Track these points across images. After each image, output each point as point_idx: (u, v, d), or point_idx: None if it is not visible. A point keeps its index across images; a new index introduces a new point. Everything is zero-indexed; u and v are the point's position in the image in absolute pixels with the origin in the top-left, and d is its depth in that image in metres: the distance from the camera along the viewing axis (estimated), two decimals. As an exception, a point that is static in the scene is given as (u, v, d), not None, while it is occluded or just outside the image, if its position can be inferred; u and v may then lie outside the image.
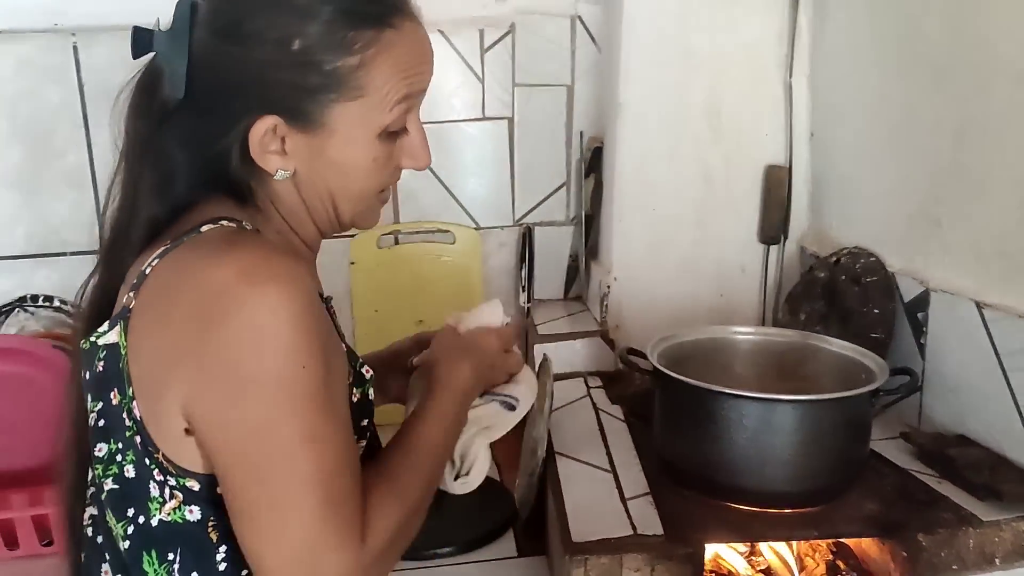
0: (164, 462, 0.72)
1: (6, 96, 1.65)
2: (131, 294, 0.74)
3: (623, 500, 1.14)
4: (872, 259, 1.43)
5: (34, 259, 1.72)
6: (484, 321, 1.12)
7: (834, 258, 1.51)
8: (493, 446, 1.05)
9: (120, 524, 0.74)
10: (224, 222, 0.78)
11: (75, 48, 1.64)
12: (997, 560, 1.04)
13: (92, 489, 0.81)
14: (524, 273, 1.90)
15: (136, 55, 0.79)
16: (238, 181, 0.82)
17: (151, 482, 0.73)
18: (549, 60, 1.84)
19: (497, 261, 1.93)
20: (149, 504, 0.73)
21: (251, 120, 0.78)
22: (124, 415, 0.73)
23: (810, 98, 1.66)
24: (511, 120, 1.86)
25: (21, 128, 1.67)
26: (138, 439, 0.73)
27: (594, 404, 1.50)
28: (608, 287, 1.71)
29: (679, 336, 1.30)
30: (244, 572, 0.76)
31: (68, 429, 0.83)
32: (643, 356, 1.24)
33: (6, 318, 1.66)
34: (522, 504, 1.38)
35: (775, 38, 1.65)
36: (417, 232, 1.88)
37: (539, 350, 1.63)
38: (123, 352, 0.72)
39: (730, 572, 1.17)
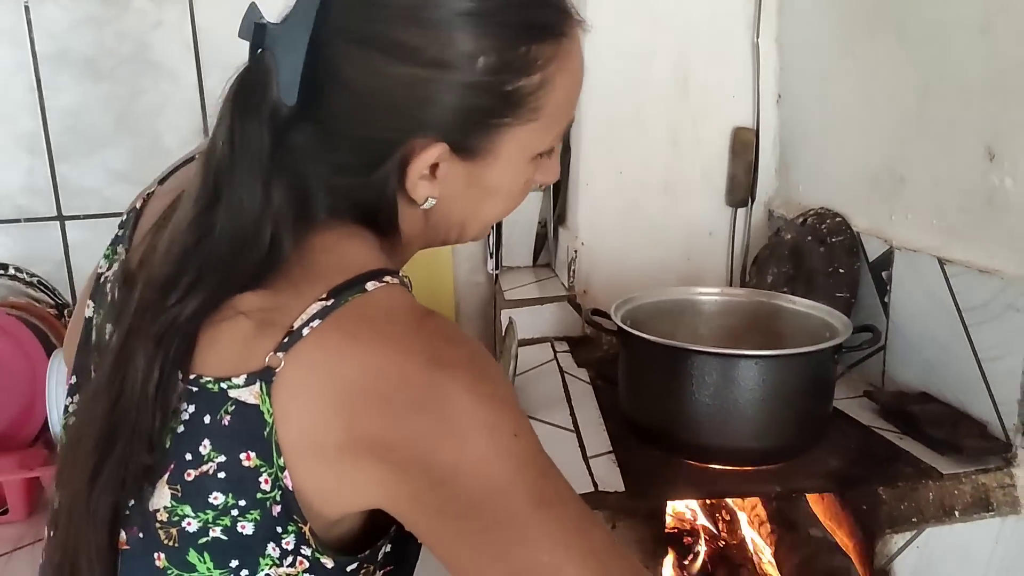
0: (308, 535, 0.66)
1: (-44, 59, 1.61)
2: (279, 354, 0.64)
3: (585, 459, 1.13)
4: (838, 219, 1.43)
5: (-12, 226, 1.69)
6: None
7: (801, 220, 1.51)
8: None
9: (219, 572, 0.67)
10: (388, 278, 0.67)
11: (27, 9, 1.60)
12: (956, 512, 1.05)
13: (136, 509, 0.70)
14: (492, 240, 1.88)
15: (252, 44, 0.68)
16: (383, 214, 0.73)
17: (272, 543, 0.67)
18: (515, 23, 1.82)
19: (465, 228, 1.91)
20: (260, 560, 0.67)
21: (412, 147, 0.69)
22: (262, 479, 0.65)
23: (777, 59, 1.65)
24: (477, 84, 1.84)
25: (-27, 92, 1.63)
26: (277, 508, 0.66)
27: (560, 368, 1.49)
28: (575, 252, 1.69)
29: (643, 297, 1.29)
30: None
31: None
32: (608, 317, 1.23)
33: (-39, 286, 1.63)
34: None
35: (742, -1, 1.63)
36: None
37: (507, 315, 1.62)
38: (269, 420, 0.64)
39: (692, 528, 1.17)
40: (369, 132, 0.69)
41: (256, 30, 0.68)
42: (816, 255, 1.42)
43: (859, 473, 1.09)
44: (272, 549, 0.67)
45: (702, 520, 1.20)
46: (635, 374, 1.20)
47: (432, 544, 0.66)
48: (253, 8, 0.69)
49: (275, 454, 0.64)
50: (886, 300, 1.31)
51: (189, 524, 0.67)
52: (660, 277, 1.68)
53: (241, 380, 0.65)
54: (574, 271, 1.70)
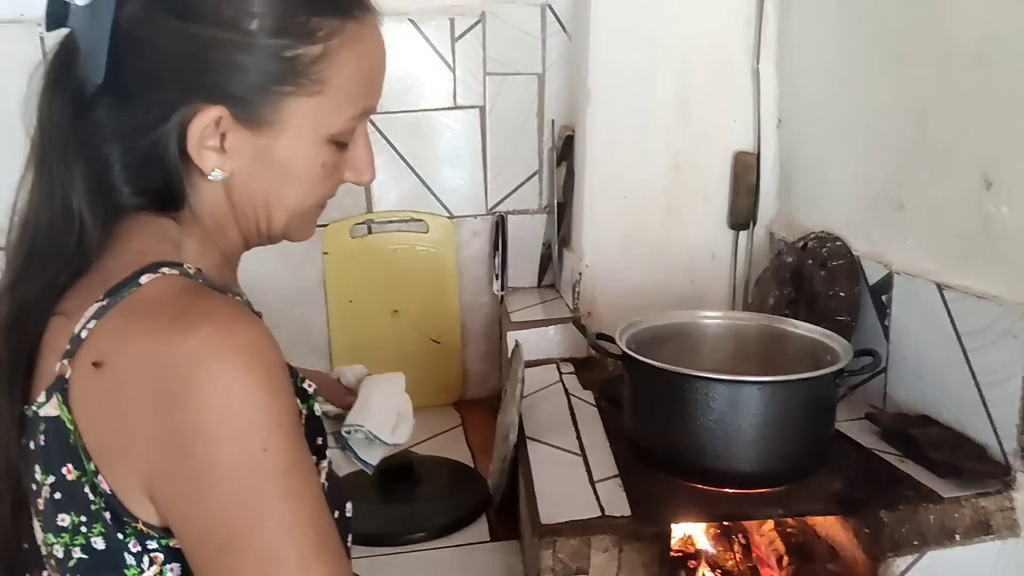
0: (144, 528, 0.66)
1: (-28, 88, 1.64)
2: (65, 362, 0.65)
3: (592, 483, 1.15)
4: (838, 243, 1.45)
5: None
6: (382, 389, 1.12)
7: (801, 243, 1.53)
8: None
9: None
10: (165, 269, 0.68)
11: (42, 40, 1.63)
12: (957, 536, 1.06)
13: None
14: (498, 261, 1.91)
15: (50, 27, 0.70)
16: (169, 182, 0.73)
17: (125, 552, 0.67)
18: (520, 49, 1.85)
19: (471, 250, 1.94)
20: (125, 572, 0.67)
21: (192, 109, 0.70)
22: (86, 490, 0.66)
23: (777, 84, 1.67)
24: (483, 109, 1.87)
25: (-12, 120, 1.65)
26: (107, 514, 0.66)
27: (566, 389, 1.51)
28: (580, 274, 1.72)
29: (647, 321, 1.31)
30: None
31: None
32: (612, 341, 1.25)
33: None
34: (495, 489, 1.40)
35: (742, 25, 1.66)
36: (390, 221, 1.88)
37: (512, 337, 1.64)
38: (71, 427, 0.65)
39: (698, 552, 1.19)
40: (156, 92, 0.70)
41: (59, 9, 0.69)
42: (817, 278, 1.44)
43: (861, 496, 1.10)
44: (128, 558, 0.67)
45: (704, 544, 1.22)
46: (640, 398, 1.22)
47: (184, 549, 0.65)
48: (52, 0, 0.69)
49: (84, 460, 0.65)
50: (886, 323, 1.33)
51: (57, 551, 0.68)
52: (663, 298, 1.70)
53: (43, 397, 0.66)
54: (578, 293, 1.72)
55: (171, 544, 0.67)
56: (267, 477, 0.63)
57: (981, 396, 1.14)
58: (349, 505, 0.80)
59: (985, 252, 1.14)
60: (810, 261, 1.48)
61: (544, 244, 1.96)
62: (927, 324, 1.23)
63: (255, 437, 0.62)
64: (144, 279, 0.67)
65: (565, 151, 1.85)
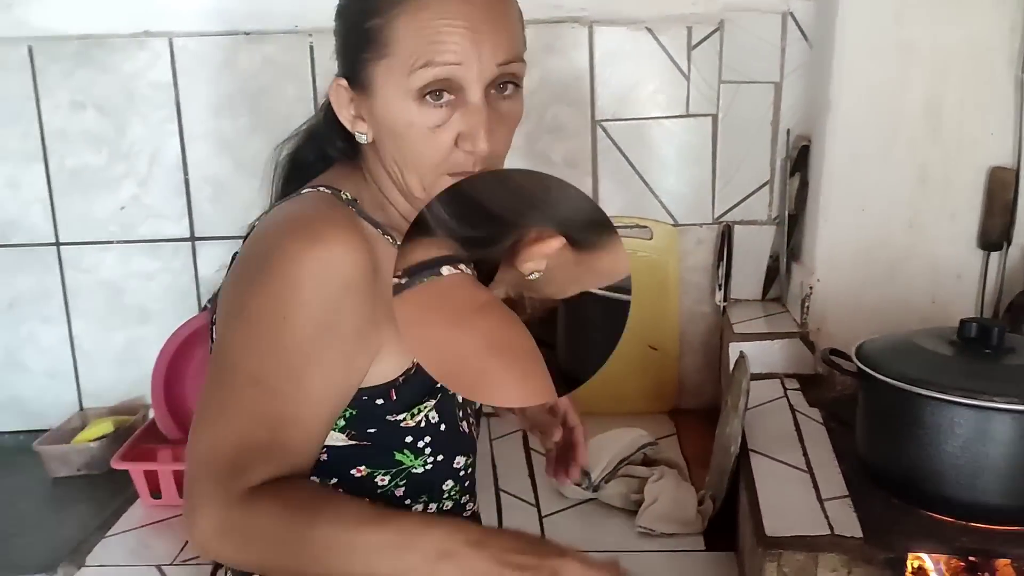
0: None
1: (249, 92, 1.83)
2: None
3: (820, 500, 1.12)
4: (1110, 268, 1.32)
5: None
6: None
7: (1065, 266, 1.41)
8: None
9: None
10: (322, 188, 0.88)
11: (311, 48, 1.79)
12: None
13: None
14: (722, 272, 1.89)
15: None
16: (344, 148, 0.93)
17: None
18: (757, 57, 1.82)
19: (694, 259, 1.93)
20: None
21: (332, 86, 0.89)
22: None
23: (1044, 95, 1.55)
24: (715, 117, 1.85)
25: (261, 121, 1.84)
26: None
27: (791, 405, 1.48)
28: (811, 288, 1.67)
29: (887, 338, 1.26)
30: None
31: None
32: (846, 357, 1.21)
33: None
34: (713, 499, 1.39)
35: (1006, 31, 1.55)
36: (616, 227, 1.90)
37: (735, 348, 1.62)
38: None
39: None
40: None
41: None
42: (1083, 305, 1.33)
43: None
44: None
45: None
46: (876, 419, 1.17)
47: None
48: None
49: None
50: None
51: None
52: (900, 318, 1.61)
53: None
54: (807, 307, 1.67)
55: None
56: (275, 340, 0.78)
57: None
58: (461, 459, 0.96)
59: None
60: (1075, 286, 1.36)
61: (771, 256, 1.92)
62: None
63: (286, 305, 0.78)
64: (304, 191, 0.88)
65: (799, 161, 1.80)
